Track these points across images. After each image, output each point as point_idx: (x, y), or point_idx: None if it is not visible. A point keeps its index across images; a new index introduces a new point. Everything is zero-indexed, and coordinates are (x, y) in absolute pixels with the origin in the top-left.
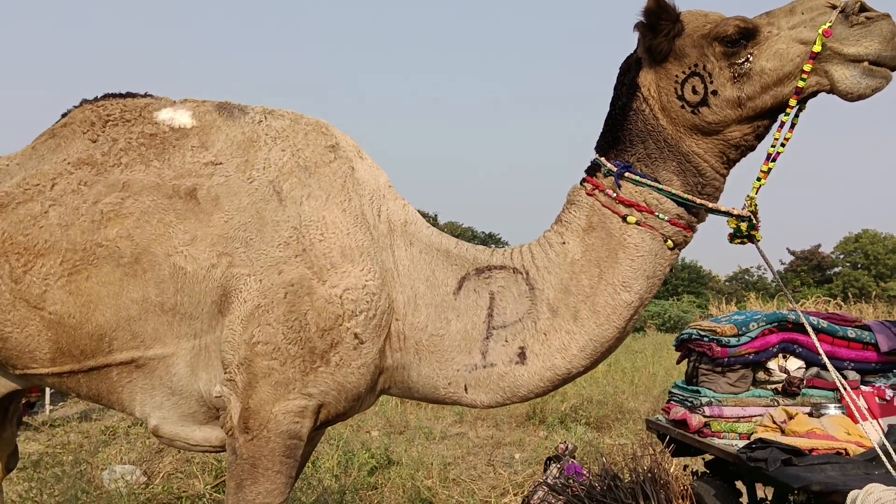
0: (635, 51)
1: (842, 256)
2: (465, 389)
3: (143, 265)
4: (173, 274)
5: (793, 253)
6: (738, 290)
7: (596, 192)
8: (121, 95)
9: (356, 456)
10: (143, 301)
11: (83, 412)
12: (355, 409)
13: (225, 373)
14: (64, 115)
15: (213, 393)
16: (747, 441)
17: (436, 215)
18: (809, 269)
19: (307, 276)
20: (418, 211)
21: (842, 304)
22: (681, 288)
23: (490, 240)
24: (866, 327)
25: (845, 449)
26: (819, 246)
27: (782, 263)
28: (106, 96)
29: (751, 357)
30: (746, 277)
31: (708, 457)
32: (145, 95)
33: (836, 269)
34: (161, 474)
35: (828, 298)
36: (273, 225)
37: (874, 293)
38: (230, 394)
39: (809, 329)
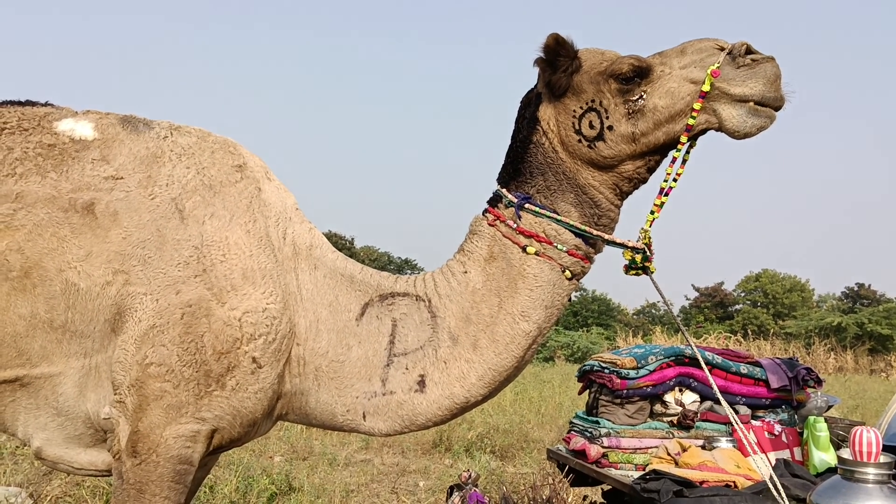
0: (535, 86)
1: (743, 294)
2: (364, 417)
3: (32, 280)
4: (65, 290)
5: (697, 289)
6: (645, 324)
7: (497, 222)
8: (20, 103)
9: (256, 482)
10: (32, 317)
11: None
12: (251, 435)
13: (115, 394)
14: None
15: (101, 415)
16: (642, 472)
17: (353, 239)
18: (712, 306)
19: (206, 298)
20: (336, 233)
21: (741, 340)
22: (590, 320)
23: (406, 265)
24: (758, 364)
25: (734, 482)
26: (722, 283)
27: (687, 299)
28: (3, 103)
29: (648, 390)
30: (653, 311)
31: (606, 487)
32: (46, 104)
33: (738, 307)
34: (49, 498)
35: (729, 334)
36: (173, 243)
37: (772, 331)
38: (119, 416)
39: (703, 364)
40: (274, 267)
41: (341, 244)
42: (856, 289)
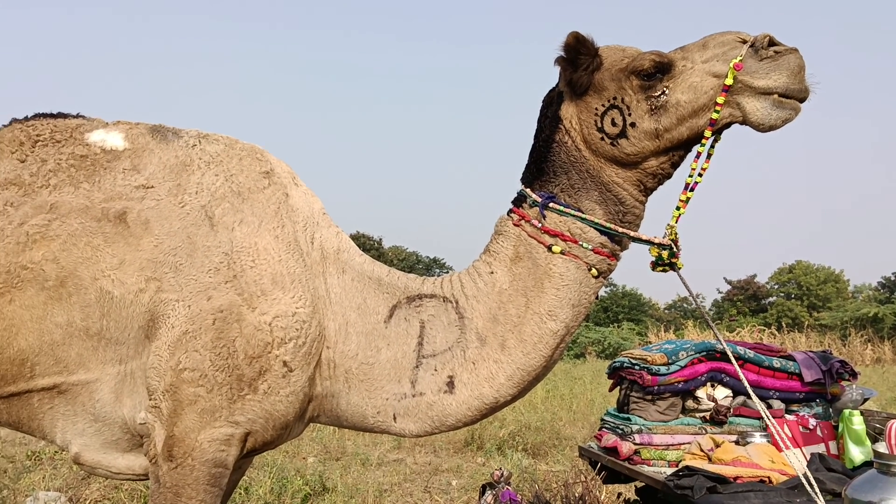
0: (557, 84)
1: (776, 287)
2: (394, 418)
3: (68, 289)
4: (100, 298)
5: (729, 282)
6: (677, 319)
7: (522, 222)
8: (52, 115)
9: (290, 483)
10: (68, 325)
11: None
12: (283, 438)
13: (150, 399)
14: None
15: (137, 420)
16: (675, 469)
17: (380, 239)
18: (745, 299)
19: (237, 303)
20: (364, 234)
21: (776, 333)
22: (621, 315)
23: (435, 264)
24: (791, 357)
25: (769, 477)
26: (755, 276)
27: (719, 292)
28: (36, 116)
29: (680, 386)
30: (685, 306)
31: (639, 484)
32: (77, 116)
33: (771, 299)
34: (88, 501)
35: (762, 327)
36: (204, 250)
37: (807, 323)
38: (155, 421)
39: (732, 359)
40: (303, 271)
41: (369, 244)
42: (892, 278)
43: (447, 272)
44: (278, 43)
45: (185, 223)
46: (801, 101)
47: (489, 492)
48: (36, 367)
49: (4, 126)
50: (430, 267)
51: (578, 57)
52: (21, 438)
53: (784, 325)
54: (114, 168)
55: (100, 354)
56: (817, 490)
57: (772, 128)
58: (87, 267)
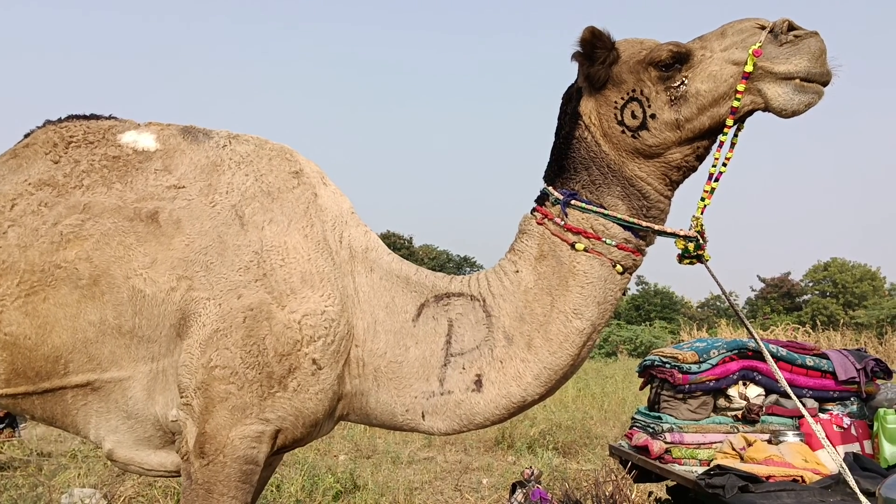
0: (575, 81)
1: (811, 284)
2: (423, 416)
3: (101, 287)
4: (132, 297)
5: (763, 280)
6: (710, 317)
7: (545, 220)
8: (84, 117)
9: (321, 480)
10: (101, 323)
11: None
12: (313, 435)
13: (181, 397)
14: (26, 136)
15: (169, 417)
16: (707, 468)
17: (411, 238)
18: (779, 297)
19: (266, 301)
20: (394, 233)
21: (810, 331)
22: (653, 313)
23: (465, 263)
24: (824, 356)
25: (802, 476)
26: (789, 273)
27: (753, 290)
28: (70, 118)
29: (711, 384)
30: (718, 304)
31: (670, 483)
32: (109, 117)
33: (806, 297)
34: (122, 498)
35: (797, 326)
36: (234, 249)
37: (842, 321)
38: (186, 418)
39: (768, 357)
40: (331, 270)
41: (400, 243)
42: None
43: (478, 270)
44: (306, 36)
45: (215, 222)
46: (824, 84)
47: (519, 490)
48: (70, 364)
49: (38, 128)
50: (461, 265)
51: (595, 51)
52: (57, 436)
53: (819, 324)
54: (146, 168)
55: (132, 352)
56: (854, 484)
57: (794, 113)
58: (120, 266)
